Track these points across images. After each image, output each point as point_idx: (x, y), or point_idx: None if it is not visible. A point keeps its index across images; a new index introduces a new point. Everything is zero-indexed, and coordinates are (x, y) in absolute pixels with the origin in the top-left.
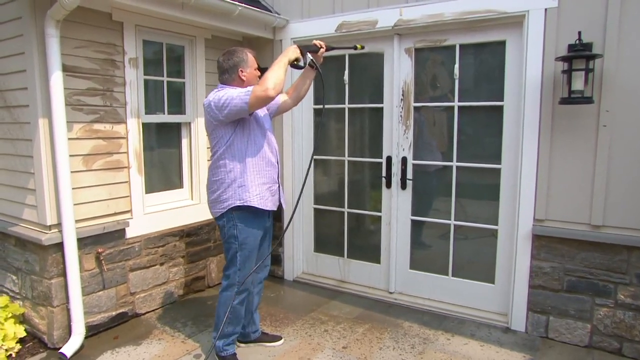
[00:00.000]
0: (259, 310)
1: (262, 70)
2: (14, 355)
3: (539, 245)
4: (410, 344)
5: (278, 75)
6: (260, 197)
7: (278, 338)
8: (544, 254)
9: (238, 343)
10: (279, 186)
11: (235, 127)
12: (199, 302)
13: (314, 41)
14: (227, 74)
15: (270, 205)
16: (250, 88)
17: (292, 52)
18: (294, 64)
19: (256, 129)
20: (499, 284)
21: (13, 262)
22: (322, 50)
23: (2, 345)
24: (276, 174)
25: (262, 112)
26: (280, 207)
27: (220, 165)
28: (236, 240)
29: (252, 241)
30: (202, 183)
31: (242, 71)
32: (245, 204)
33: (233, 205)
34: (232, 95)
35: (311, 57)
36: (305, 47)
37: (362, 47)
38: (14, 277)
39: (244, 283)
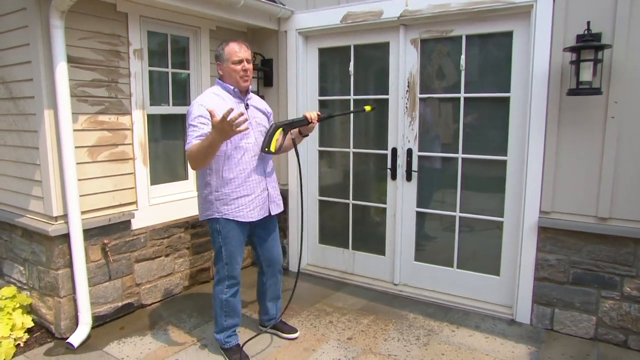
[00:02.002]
0: (280, 302)
1: (267, 61)
2: (22, 344)
3: (545, 237)
4: (415, 335)
5: (198, 157)
6: (239, 210)
7: (294, 330)
8: (549, 246)
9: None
10: (268, 194)
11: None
12: (204, 294)
13: (305, 113)
14: None
15: (254, 215)
16: (193, 141)
17: (218, 137)
18: (264, 150)
19: (236, 142)
20: (504, 276)
21: (20, 253)
22: (312, 124)
23: (10, 334)
24: (264, 182)
25: (258, 118)
26: (273, 209)
27: (200, 175)
28: (219, 234)
29: (236, 235)
30: None
31: (219, 65)
32: (224, 217)
33: (212, 217)
34: (191, 129)
35: (291, 131)
36: (289, 126)
37: (373, 109)
38: (21, 268)
39: (234, 277)
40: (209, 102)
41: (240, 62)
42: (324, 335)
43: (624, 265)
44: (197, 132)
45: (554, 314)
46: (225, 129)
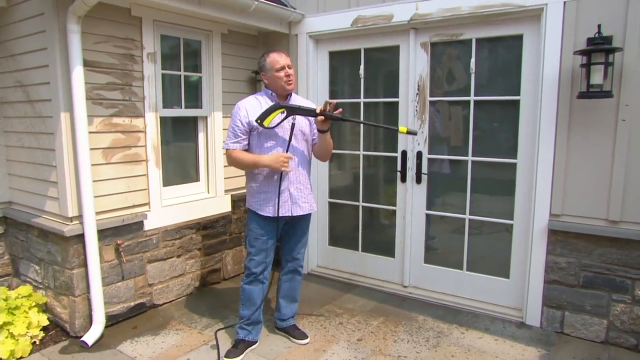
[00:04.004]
0: (295, 305)
1: None
2: (38, 342)
3: (555, 240)
4: (424, 337)
5: (241, 166)
6: (259, 203)
7: (305, 336)
8: (559, 249)
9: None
10: (289, 195)
11: (250, 137)
12: (215, 294)
13: (320, 106)
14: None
15: (271, 211)
16: (230, 145)
17: (268, 164)
18: (256, 120)
19: (261, 142)
20: (514, 278)
21: (36, 252)
22: (320, 117)
23: (27, 332)
24: (285, 182)
25: (285, 124)
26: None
27: None
28: (247, 223)
29: (257, 227)
30: (219, 176)
31: (264, 75)
32: (250, 208)
33: (247, 206)
34: (230, 130)
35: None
36: (292, 110)
37: (409, 132)
38: (37, 267)
39: (249, 268)
40: (247, 104)
41: (283, 68)
42: (334, 336)
43: (636, 268)
44: (232, 139)
45: (564, 317)
46: (277, 163)
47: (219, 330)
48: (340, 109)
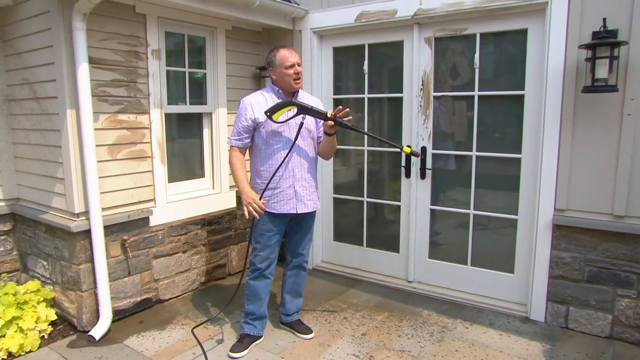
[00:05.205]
0: (300, 300)
1: None
2: (46, 336)
3: (560, 235)
4: (428, 332)
5: (231, 171)
6: (263, 199)
7: (310, 331)
8: (564, 244)
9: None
10: (295, 192)
11: (254, 133)
12: (220, 289)
13: (330, 111)
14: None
15: (277, 208)
16: (233, 141)
17: (246, 196)
18: (266, 112)
19: (267, 139)
20: (519, 273)
21: (44, 248)
22: (329, 123)
23: (35, 326)
24: (291, 179)
25: (292, 123)
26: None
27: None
28: (253, 224)
29: (263, 224)
30: (224, 172)
31: (272, 70)
32: None
33: None
34: (234, 126)
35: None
36: (304, 109)
37: (412, 153)
38: (45, 263)
39: (254, 263)
40: (253, 100)
41: (292, 66)
42: (338, 331)
43: None
44: (235, 136)
45: (568, 312)
46: (247, 201)
47: (195, 328)
48: (350, 117)
